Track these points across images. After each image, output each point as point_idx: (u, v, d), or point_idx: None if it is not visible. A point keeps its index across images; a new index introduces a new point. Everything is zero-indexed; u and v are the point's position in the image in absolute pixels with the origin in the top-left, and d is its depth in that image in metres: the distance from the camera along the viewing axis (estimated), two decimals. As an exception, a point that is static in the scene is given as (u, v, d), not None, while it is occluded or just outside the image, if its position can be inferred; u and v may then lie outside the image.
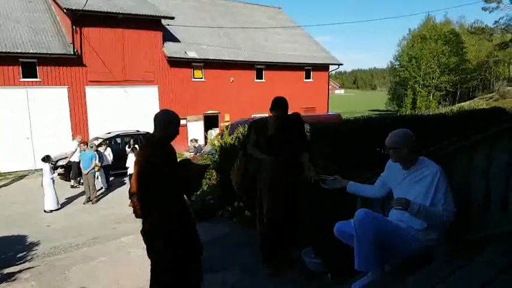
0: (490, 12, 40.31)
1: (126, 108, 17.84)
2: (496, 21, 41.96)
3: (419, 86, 41.86)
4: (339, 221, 2.86)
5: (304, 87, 24.28)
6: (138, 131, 15.49)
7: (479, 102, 30.93)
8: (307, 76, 24.86)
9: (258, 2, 29.54)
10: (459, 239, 2.69)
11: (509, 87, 33.96)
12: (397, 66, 47.63)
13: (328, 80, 26.91)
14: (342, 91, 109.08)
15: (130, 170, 10.90)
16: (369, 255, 2.52)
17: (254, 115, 16.78)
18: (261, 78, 22.65)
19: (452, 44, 41.22)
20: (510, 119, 6.25)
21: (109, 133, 14.94)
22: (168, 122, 2.88)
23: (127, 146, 12.93)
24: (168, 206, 2.77)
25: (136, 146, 12.26)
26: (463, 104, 33.94)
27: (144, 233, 2.88)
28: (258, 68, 22.44)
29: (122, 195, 11.05)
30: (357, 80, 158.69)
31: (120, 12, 17.04)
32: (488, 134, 2.89)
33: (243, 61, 21.38)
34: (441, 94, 42.56)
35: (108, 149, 12.37)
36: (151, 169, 2.70)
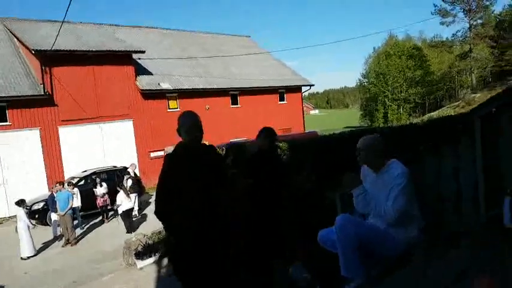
0: (447, 26, 42.86)
1: (101, 145, 17.57)
2: (453, 34, 44.63)
3: (388, 100, 43.36)
4: (321, 229, 2.91)
5: (279, 109, 24.70)
6: (114, 166, 15.23)
7: (447, 111, 32.26)
8: (281, 98, 25.34)
9: (225, 31, 30.25)
10: (436, 235, 2.78)
11: (473, 94, 35.59)
12: (365, 83, 49.30)
13: (302, 100, 27.50)
14: (317, 111, 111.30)
15: (121, 207, 10.69)
16: (353, 260, 2.57)
17: (232, 140, 16.85)
18: (237, 104, 22.92)
19: (415, 58, 43.26)
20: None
21: (85, 171, 14.60)
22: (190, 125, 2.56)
23: (94, 184, 12.74)
24: (182, 223, 2.43)
25: (129, 181, 12.20)
26: (432, 113, 35.29)
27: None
28: (233, 94, 22.73)
29: (101, 234, 10.76)
30: (329, 99, 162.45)
31: (90, 49, 17.06)
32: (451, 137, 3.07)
33: (217, 88, 21.63)
34: (410, 106, 44.19)
35: (76, 189, 11.90)
36: (161, 175, 2.49)
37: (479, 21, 41.77)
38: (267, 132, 3.88)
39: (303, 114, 27.27)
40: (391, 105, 43.29)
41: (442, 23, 42.54)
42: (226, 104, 22.51)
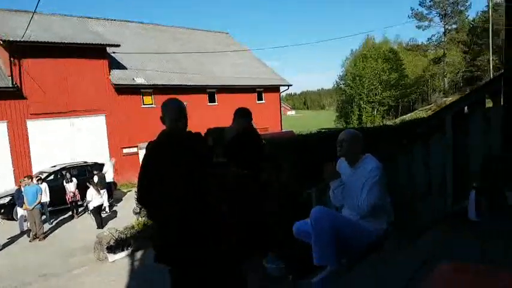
0: (423, 30, 44.30)
1: (72, 140, 17.05)
2: (429, 39, 46.20)
3: (363, 102, 44.27)
4: (296, 221, 2.95)
5: (257, 108, 24.64)
6: (85, 162, 14.84)
7: (419, 114, 33.31)
8: (260, 98, 25.38)
9: (204, 28, 30.05)
10: (405, 226, 2.88)
11: (445, 98, 36.90)
12: (342, 85, 50.13)
13: (280, 100, 27.64)
14: (294, 112, 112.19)
15: (93, 203, 10.46)
16: (327, 249, 2.62)
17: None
18: (214, 102, 22.77)
19: (391, 61, 44.35)
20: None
21: (54, 166, 14.16)
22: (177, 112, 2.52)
23: (64, 180, 12.40)
24: (164, 210, 2.36)
25: (96, 177, 12.03)
26: (404, 116, 36.34)
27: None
28: (210, 91, 22.56)
29: (70, 229, 10.48)
30: (306, 101, 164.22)
31: (62, 41, 16.50)
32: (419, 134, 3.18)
33: (194, 85, 21.41)
34: (384, 109, 45.29)
35: (44, 184, 11.51)
36: (143, 162, 2.45)
37: (453, 26, 43.43)
38: (242, 112, 3.71)
39: (281, 114, 27.42)
40: (365, 108, 44.21)
41: (418, 27, 44.02)
42: (204, 102, 22.31)
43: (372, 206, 2.68)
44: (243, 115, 3.71)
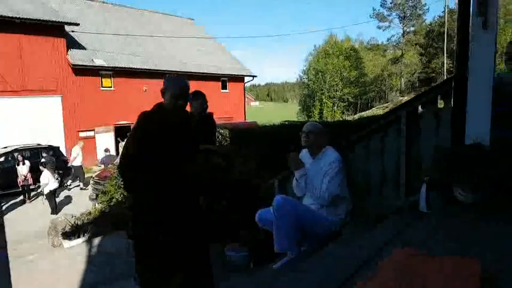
0: (383, 31, 45.98)
1: (25, 121, 16.08)
2: (388, 39, 48.08)
3: (325, 97, 45.33)
4: (259, 210, 3.04)
5: (221, 97, 24.53)
6: (39, 144, 14.10)
7: (377, 111, 34.63)
8: (224, 87, 25.22)
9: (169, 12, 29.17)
10: (362, 216, 3.06)
11: (401, 97, 38.61)
12: (305, 79, 50.96)
13: (244, 91, 27.64)
14: (257, 103, 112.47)
15: (49, 187, 9.98)
16: (288, 236, 2.73)
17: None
18: (177, 88, 22.37)
19: (352, 59, 45.62)
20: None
21: (5, 147, 13.34)
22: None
23: (16, 163, 11.76)
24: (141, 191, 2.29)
25: (43, 160, 11.51)
26: (363, 113, 37.68)
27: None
28: (173, 78, 22.12)
29: (22, 214, 9.97)
30: (270, 92, 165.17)
31: (17, 16, 15.41)
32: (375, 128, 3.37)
33: (155, 70, 20.79)
34: (344, 105, 46.68)
35: None
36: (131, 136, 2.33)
37: (412, 28, 45.42)
38: (197, 95, 3.65)
39: (245, 104, 27.46)
40: (327, 103, 45.29)
41: (379, 27, 45.60)
42: (165, 88, 21.85)
43: (332, 195, 2.83)
44: (195, 97, 3.63)
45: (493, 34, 2.53)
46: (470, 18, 2.64)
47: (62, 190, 12.49)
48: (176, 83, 2.41)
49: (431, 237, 2.09)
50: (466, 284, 1.40)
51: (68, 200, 11.79)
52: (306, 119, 47.47)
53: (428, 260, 1.64)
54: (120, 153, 13.28)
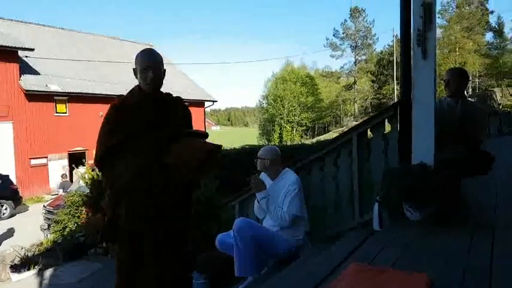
0: (336, 59, 48.28)
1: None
2: (341, 67, 50.56)
3: (284, 122, 46.44)
4: (219, 233, 3.04)
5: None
6: (-15, 173, 13.17)
7: (333, 135, 35.90)
8: (183, 112, 25.11)
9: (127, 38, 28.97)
10: (318, 236, 3.15)
11: (355, 122, 40.39)
12: (264, 104, 52.04)
13: (205, 116, 27.64)
14: (218, 127, 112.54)
15: None
16: (248, 261, 2.74)
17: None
18: (135, 114, 21.97)
19: (308, 85, 47.40)
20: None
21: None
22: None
23: None
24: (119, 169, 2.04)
25: None
26: (320, 136, 38.86)
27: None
28: (131, 103, 21.74)
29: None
30: (231, 117, 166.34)
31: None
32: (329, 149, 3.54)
33: (113, 95, 20.31)
34: (303, 129, 48.05)
35: None
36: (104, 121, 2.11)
37: (363, 57, 48.14)
38: None
39: (205, 129, 27.41)
40: (286, 127, 46.40)
41: (332, 56, 47.87)
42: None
43: (292, 217, 2.89)
44: None
45: (431, 63, 2.78)
46: (411, 48, 2.89)
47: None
48: (140, 54, 2.24)
49: (383, 253, 2.21)
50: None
51: (19, 230, 10.94)
52: (266, 142, 48.13)
53: (378, 273, 1.74)
54: (73, 181, 12.73)
